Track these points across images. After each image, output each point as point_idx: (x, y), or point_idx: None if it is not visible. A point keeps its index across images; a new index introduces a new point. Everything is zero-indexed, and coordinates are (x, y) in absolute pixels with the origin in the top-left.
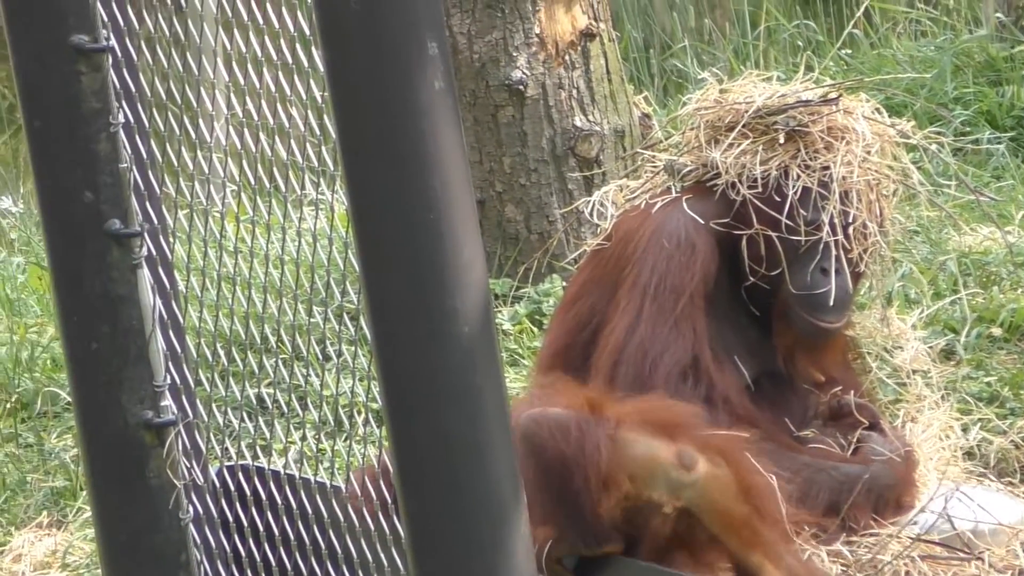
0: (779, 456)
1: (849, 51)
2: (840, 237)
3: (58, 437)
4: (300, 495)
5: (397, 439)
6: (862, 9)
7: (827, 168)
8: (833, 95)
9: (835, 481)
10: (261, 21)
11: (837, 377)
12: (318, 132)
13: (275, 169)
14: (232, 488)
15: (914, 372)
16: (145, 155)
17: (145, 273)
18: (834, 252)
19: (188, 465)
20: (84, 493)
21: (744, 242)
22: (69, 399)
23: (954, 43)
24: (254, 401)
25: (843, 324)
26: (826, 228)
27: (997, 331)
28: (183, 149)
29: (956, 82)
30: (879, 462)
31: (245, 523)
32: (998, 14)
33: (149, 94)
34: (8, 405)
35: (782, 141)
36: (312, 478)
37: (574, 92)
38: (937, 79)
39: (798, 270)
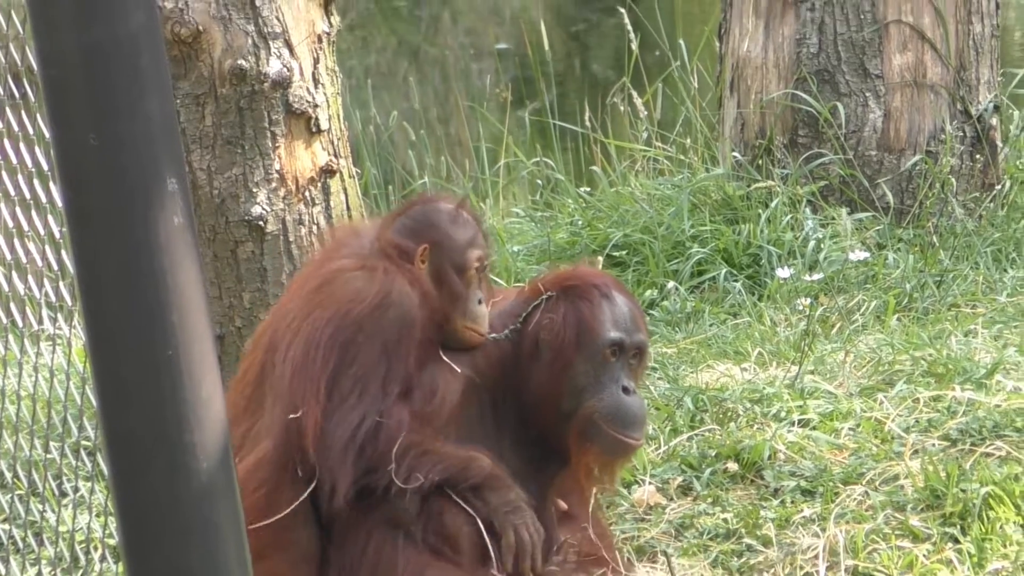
0: None
1: (588, 188)
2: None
3: None
4: None
5: (134, 575)
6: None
7: None
8: None
9: None
10: None
11: (580, 513)
12: (56, 267)
13: (12, 304)
14: None
15: (651, 508)
16: None
17: None
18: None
19: None
20: None
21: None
22: None
23: (691, 182)
24: None
25: (642, 441)
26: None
27: (733, 467)
28: None
29: (693, 220)
30: None
31: None
32: (735, 153)
33: None
34: None
35: None
36: None
37: (314, 228)
38: (675, 217)
39: (600, 390)
